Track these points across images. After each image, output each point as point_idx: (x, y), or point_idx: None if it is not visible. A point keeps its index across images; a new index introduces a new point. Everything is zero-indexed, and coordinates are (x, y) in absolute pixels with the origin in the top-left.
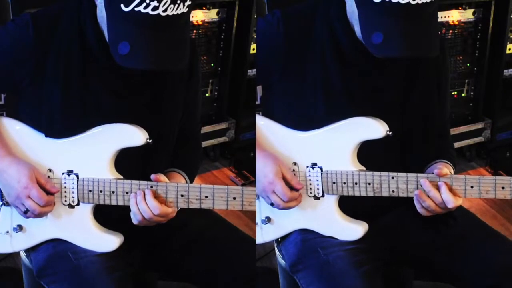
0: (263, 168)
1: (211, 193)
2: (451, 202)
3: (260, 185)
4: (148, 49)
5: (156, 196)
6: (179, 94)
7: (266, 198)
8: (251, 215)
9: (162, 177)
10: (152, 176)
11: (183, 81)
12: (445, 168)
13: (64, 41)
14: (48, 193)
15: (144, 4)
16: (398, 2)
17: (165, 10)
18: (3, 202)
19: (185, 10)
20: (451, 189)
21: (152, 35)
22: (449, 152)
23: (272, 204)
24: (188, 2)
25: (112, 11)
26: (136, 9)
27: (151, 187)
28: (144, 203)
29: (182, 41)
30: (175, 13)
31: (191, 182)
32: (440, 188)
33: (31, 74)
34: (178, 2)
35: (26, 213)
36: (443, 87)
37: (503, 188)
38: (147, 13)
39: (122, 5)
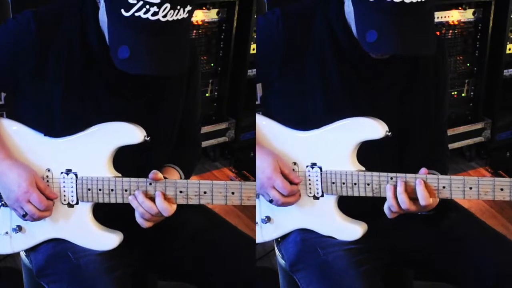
0: (261, 164)
1: (210, 189)
2: (425, 199)
3: (259, 181)
4: (147, 54)
5: (165, 197)
6: (178, 94)
7: (265, 195)
8: (251, 214)
9: (159, 174)
10: (150, 175)
11: (183, 81)
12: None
13: (66, 40)
14: (48, 198)
15: (144, 10)
16: (392, 1)
17: (165, 16)
18: (2, 203)
19: (185, 15)
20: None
21: (152, 40)
22: (441, 162)
23: (271, 201)
24: (189, 8)
25: (113, 15)
26: (136, 14)
27: (150, 184)
28: (149, 202)
29: (181, 47)
30: (175, 18)
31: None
32: (417, 186)
33: (32, 72)
34: (178, 7)
35: (24, 216)
36: (441, 88)
37: (502, 189)
38: (147, 18)
39: (122, 10)
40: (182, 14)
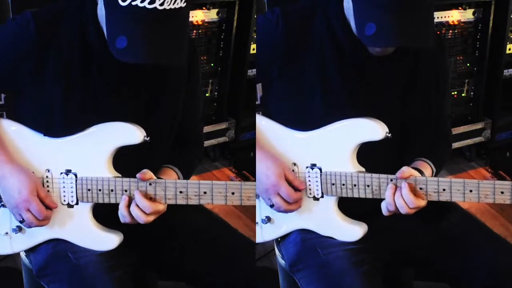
0: (265, 170)
1: (210, 189)
2: (412, 202)
3: (262, 186)
4: (144, 42)
5: (146, 195)
6: (178, 94)
7: (267, 200)
8: (251, 215)
9: (148, 174)
10: (138, 175)
11: (182, 81)
12: (410, 170)
13: (66, 40)
14: (48, 207)
15: None
16: None
17: (162, 4)
18: (2, 203)
19: (183, 4)
20: (413, 190)
21: (149, 29)
22: (439, 153)
23: (271, 206)
24: None
25: (110, 5)
26: (133, 3)
27: (150, 184)
28: (136, 208)
29: (179, 36)
30: (172, 7)
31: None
32: (402, 190)
33: (32, 72)
34: None
35: (21, 222)
36: (441, 87)
37: (502, 192)
38: (144, 7)
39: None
40: (179, 3)
